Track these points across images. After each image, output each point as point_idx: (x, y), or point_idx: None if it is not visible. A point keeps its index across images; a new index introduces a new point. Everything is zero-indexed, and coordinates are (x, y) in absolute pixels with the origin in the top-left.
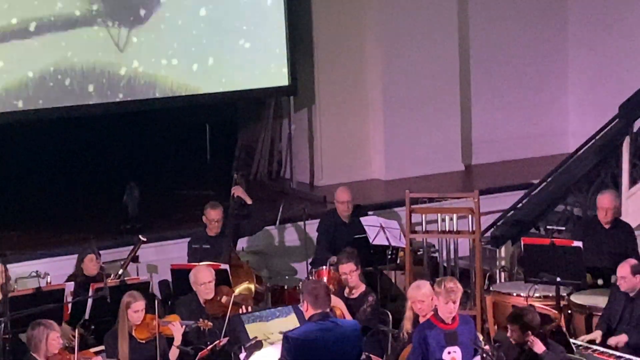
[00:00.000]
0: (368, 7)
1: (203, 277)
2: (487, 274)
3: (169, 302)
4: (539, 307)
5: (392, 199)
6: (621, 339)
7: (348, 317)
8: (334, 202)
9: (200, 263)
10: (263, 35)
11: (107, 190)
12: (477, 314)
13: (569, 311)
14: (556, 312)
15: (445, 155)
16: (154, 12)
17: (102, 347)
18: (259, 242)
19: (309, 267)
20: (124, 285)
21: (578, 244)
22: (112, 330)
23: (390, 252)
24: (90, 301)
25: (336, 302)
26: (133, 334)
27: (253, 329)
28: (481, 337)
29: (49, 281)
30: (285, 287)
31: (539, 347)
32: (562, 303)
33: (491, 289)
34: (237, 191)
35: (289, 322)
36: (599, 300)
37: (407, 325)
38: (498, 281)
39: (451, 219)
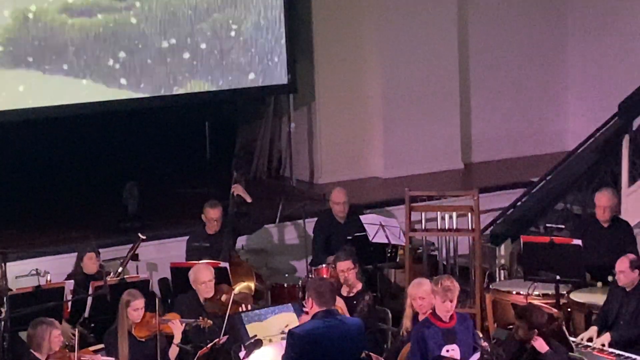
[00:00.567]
0: (367, 6)
1: (203, 276)
2: (487, 272)
3: (169, 300)
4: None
5: (391, 197)
6: (605, 338)
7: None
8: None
9: (200, 261)
10: (263, 33)
11: (106, 188)
12: (477, 312)
13: (569, 309)
14: (557, 310)
15: (445, 153)
16: None
17: (101, 346)
18: (258, 240)
19: (309, 266)
20: (123, 283)
21: (577, 242)
22: (112, 328)
23: (389, 250)
24: (90, 299)
25: (337, 300)
26: (133, 332)
27: (253, 329)
28: (480, 335)
29: (48, 279)
30: (285, 285)
31: (541, 346)
32: (562, 301)
33: (491, 287)
34: (237, 189)
35: (288, 319)
36: (599, 299)
37: (406, 323)
38: (497, 279)
39: (451, 217)
